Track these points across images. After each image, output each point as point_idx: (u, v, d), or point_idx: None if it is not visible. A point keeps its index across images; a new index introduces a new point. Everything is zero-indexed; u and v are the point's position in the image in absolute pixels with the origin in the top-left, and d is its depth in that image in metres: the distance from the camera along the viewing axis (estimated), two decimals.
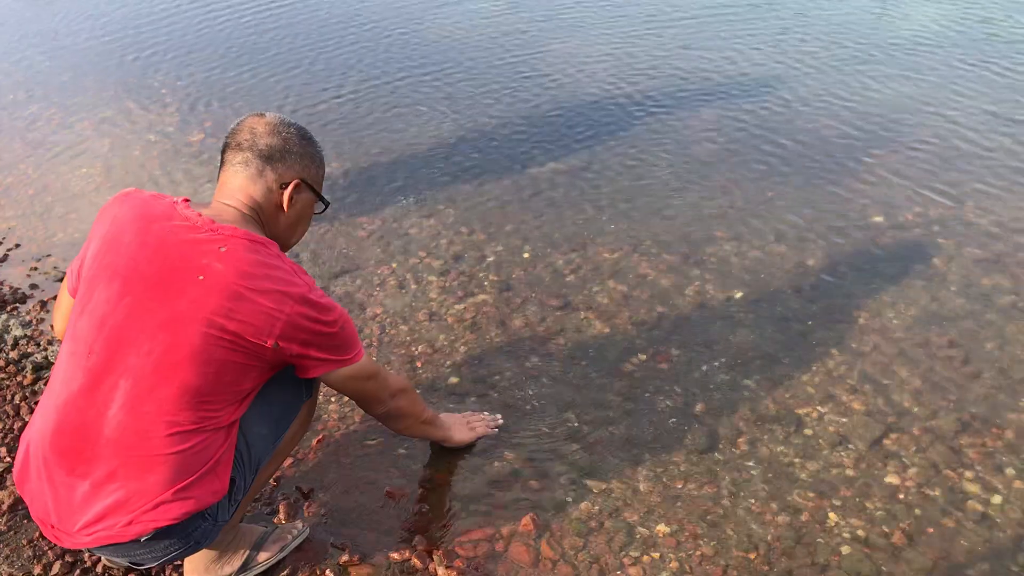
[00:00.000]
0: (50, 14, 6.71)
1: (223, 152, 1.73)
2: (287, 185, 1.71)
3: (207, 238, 1.56)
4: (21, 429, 2.40)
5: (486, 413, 2.38)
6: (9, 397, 2.55)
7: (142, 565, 1.68)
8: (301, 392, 1.83)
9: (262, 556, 1.93)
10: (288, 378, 1.74)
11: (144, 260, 1.55)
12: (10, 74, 5.47)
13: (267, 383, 1.69)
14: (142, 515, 1.51)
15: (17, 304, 3.08)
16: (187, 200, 1.66)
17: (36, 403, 2.51)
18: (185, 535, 1.60)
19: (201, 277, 1.52)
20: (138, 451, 1.51)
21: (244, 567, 1.89)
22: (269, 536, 1.96)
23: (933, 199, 3.32)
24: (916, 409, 2.35)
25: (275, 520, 2.09)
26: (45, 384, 2.55)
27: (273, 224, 1.74)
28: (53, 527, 1.57)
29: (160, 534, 1.55)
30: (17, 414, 2.47)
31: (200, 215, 1.61)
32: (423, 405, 2.10)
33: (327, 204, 1.84)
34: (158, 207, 1.63)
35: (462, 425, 2.29)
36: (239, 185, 1.69)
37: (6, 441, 2.37)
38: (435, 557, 1.97)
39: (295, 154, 1.73)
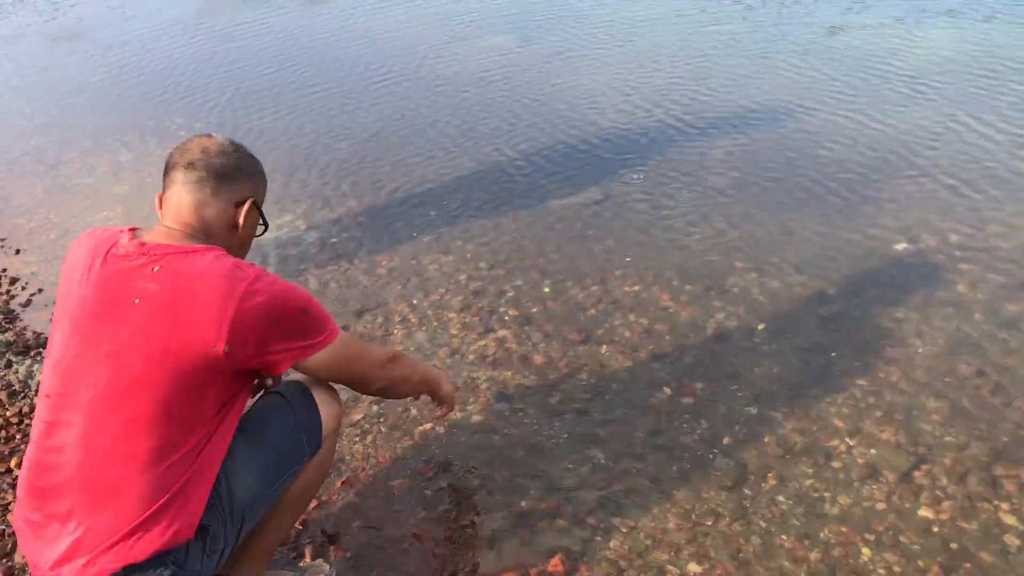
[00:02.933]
0: (70, 57, 6.82)
1: (167, 172, 1.69)
2: (242, 204, 1.70)
3: (141, 263, 1.53)
4: None
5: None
6: None
7: None
8: (301, 445, 1.74)
9: None
10: (286, 427, 1.72)
11: (89, 297, 1.54)
12: (31, 117, 5.55)
13: (263, 431, 1.68)
14: (99, 555, 1.45)
15: (40, 348, 3.09)
16: (132, 229, 1.62)
17: None
18: None
19: (137, 301, 1.50)
20: (94, 485, 1.47)
21: None
22: None
23: (954, 225, 3.30)
24: (947, 439, 2.32)
25: (300, 564, 2.07)
26: None
27: (224, 243, 1.67)
28: (35, 566, 1.52)
29: None
30: None
31: (139, 243, 1.57)
32: (415, 362, 2.04)
33: (267, 226, 1.83)
34: (104, 242, 1.60)
35: (450, 383, 2.14)
36: (189, 205, 1.64)
37: None
38: None
39: (247, 173, 1.72)
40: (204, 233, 1.64)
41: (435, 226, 3.66)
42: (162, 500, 1.47)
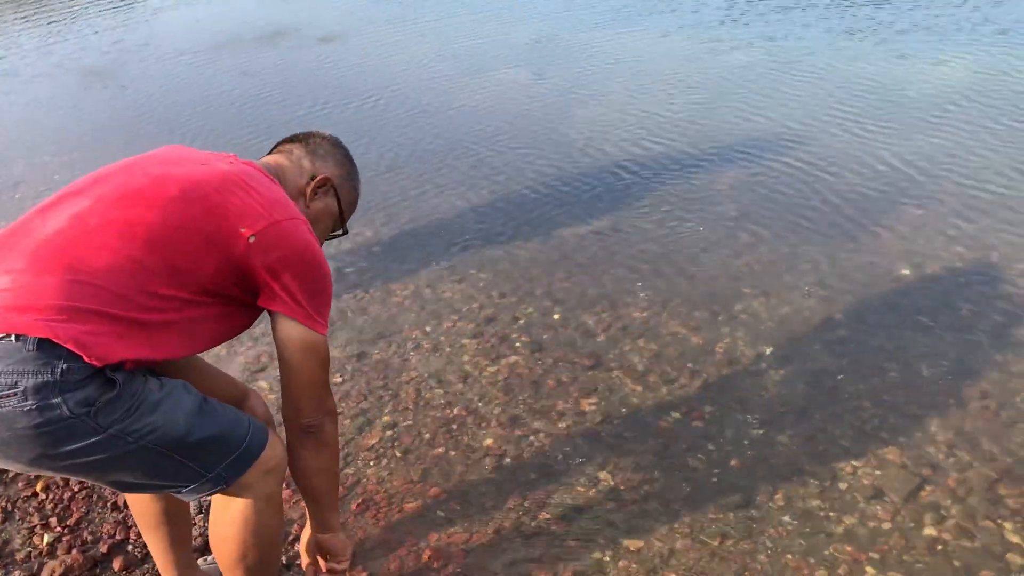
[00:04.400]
0: (96, 95, 6.99)
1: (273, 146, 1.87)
2: (316, 177, 1.79)
3: (219, 155, 1.66)
4: (71, 499, 2.47)
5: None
6: None
7: None
8: (229, 452, 1.55)
9: None
10: (234, 425, 1.57)
11: (156, 152, 1.67)
12: (56, 154, 5.68)
13: (216, 410, 1.54)
14: (5, 312, 1.32)
15: None
16: None
17: None
18: (28, 391, 1.29)
19: (203, 164, 1.58)
20: (54, 252, 1.38)
21: None
22: None
23: (959, 251, 3.35)
24: (951, 461, 2.35)
25: None
26: None
27: None
28: None
29: (3, 360, 1.29)
30: (67, 483, 2.54)
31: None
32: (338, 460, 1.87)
33: (345, 230, 1.90)
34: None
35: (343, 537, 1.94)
36: (275, 159, 1.80)
37: (56, 511, 2.43)
38: None
39: (337, 163, 1.84)
40: (278, 181, 1.72)
41: (448, 256, 3.74)
42: (102, 310, 1.36)
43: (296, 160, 1.81)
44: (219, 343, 1.65)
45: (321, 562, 1.93)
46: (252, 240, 1.49)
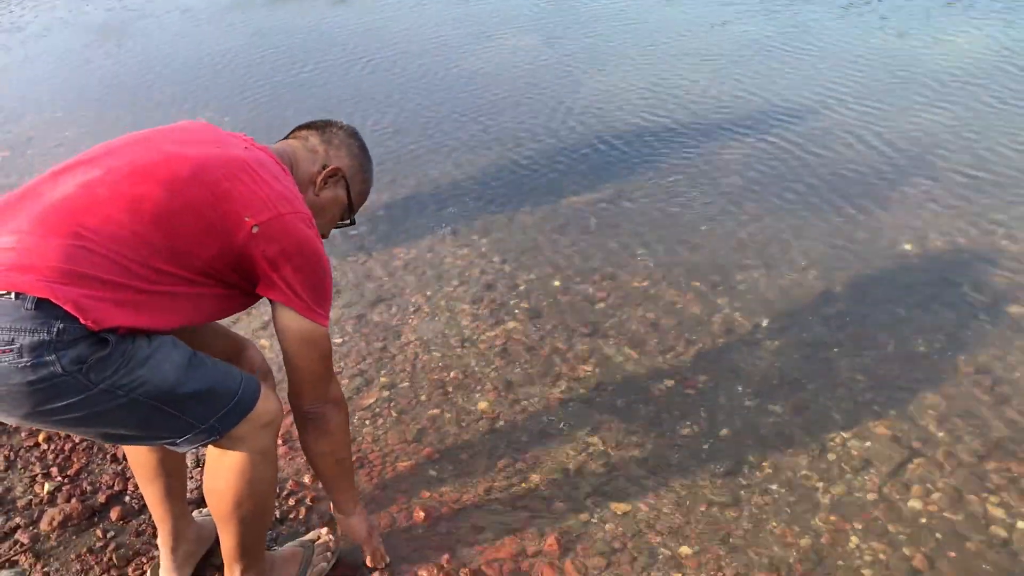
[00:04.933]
0: (106, 52, 6.99)
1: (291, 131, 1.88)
2: (327, 168, 1.80)
3: (237, 139, 1.67)
4: (72, 450, 2.52)
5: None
6: None
7: None
8: (223, 404, 1.57)
9: None
10: (227, 380, 1.59)
11: (174, 124, 1.68)
12: (67, 109, 5.70)
13: (205, 363, 1.56)
14: (8, 270, 1.33)
15: None
16: None
17: None
18: (24, 349, 1.32)
19: (217, 147, 1.59)
20: (61, 217, 1.40)
21: None
22: (308, 565, 2.00)
23: (963, 227, 3.34)
24: (941, 434, 2.37)
25: (307, 536, 2.15)
26: None
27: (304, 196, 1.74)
28: None
29: (2, 317, 1.32)
30: (68, 435, 2.58)
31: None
32: (350, 441, 1.92)
33: (353, 221, 1.92)
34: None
35: (366, 519, 2.01)
36: (288, 145, 1.81)
37: (57, 461, 2.48)
38: (461, 575, 2.02)
39: (351, 154, 1.85)
40: (289, 168, 1.74)
41: (452, 221, 3.75)
42: (102, 277, 1.39)
43: (311, 148, 1.82)
44: (216, 320, 1.68)
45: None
46: (255, 230, 1.51)
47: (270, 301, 1.62)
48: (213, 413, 1.56)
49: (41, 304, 1.32)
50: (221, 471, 1.67)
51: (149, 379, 1.45)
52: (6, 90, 6.34)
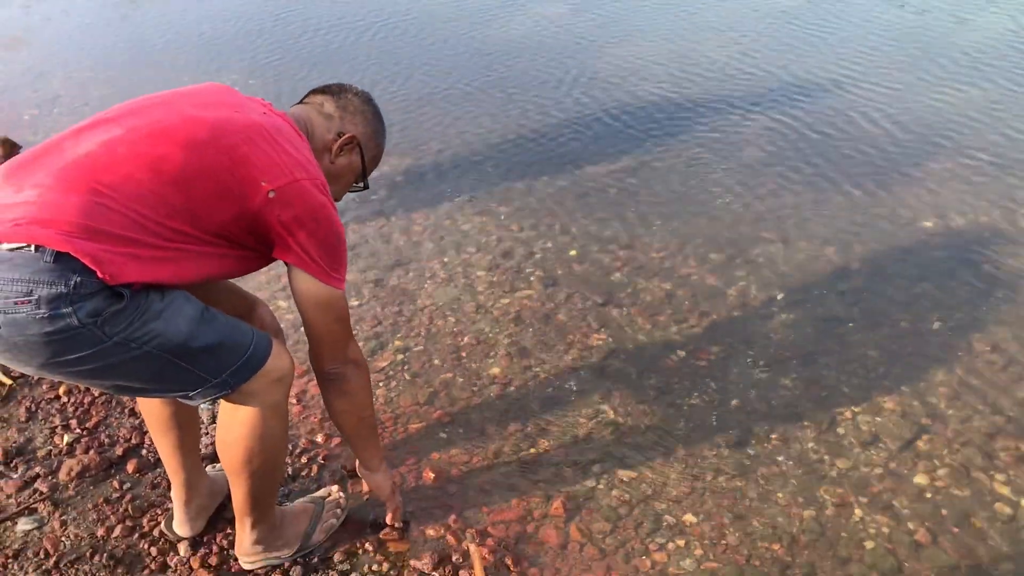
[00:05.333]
0: (138, 14, 7.02)
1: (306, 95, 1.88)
2: (343, 135, 1.82)
3: (255, 104, 1.68)
4: (92, 404, 2.58)
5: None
6: None
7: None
8: (249, 334, 1.63)
9: (315, 539, 2.03)
10: (237, 334, 1.62)
11: (189, 89, 1.70)
12: (97, 69, 5.74)
13: (217, 318, 1.60)
14: (29, 224, 1.36)
15: None
16: None
17: None
18: (42, 301, 1.35)
19: (237, 111, 1.61)
20: (81, 175, 1.43)
21: (297, 551, 1.99)
22: (318, 520, 2.06)
23: (984, 206, 3.31)
24: (951, 412, 2.37)
25: (318, 493, 2.19)
26: None
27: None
28: None
29: (19, 271, 1.34)
30: (87, 388, 2.64)
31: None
32: (372, 399, 1.97)
33: (366, 185, 1.94)
34: None
35: (390, 477, 2.06)
36: (305, 111, 1.82)
37: (76, 414, 2.54)
38: (468, 535, 2.06)
39: (366, 121, 1.86)
40: (306, 135, 1.76)
41: (472, 188, 3.76)
42: (120, 233, 1.42)
43: (326, 114, 1.83)
44: (231, 278, 1.70)
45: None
46: (271, 195, 1.52)
47: (286, 265, 1.64)
48: (225, 367, 1.59)
49: (60, 257, 1.35)
50: (234, 425, 1.70)
51: (162, 332, 1.48)
52: (36, 50, 6.39)
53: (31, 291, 1.34)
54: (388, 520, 2.08)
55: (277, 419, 1.72)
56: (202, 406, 2.13)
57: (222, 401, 1.69)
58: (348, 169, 1.87)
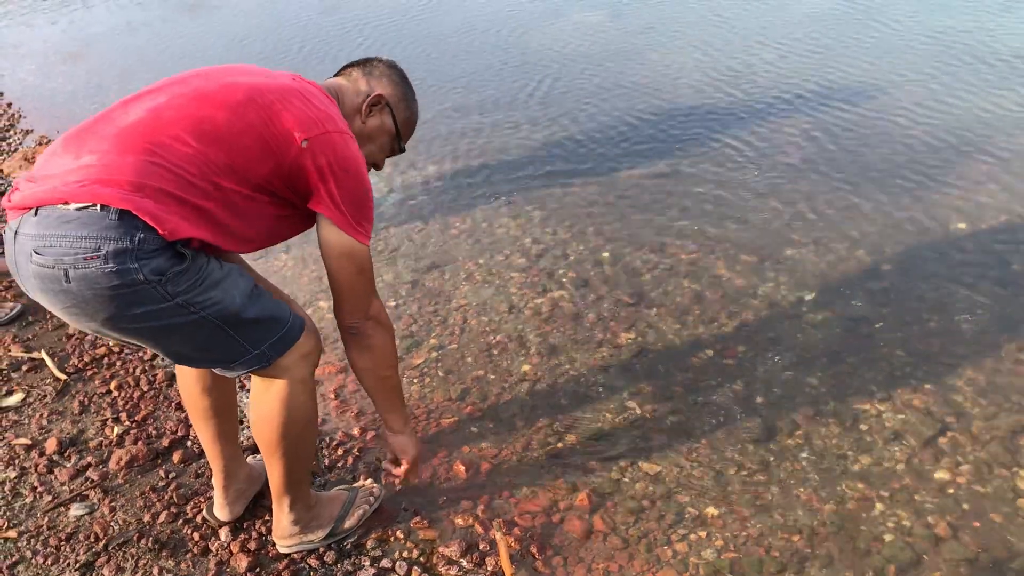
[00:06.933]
0: (192, 24, 7.24)
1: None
2: (370, 96, 1.91)
3: (285, 74, 1.79)
4: (141, 398, 2.70)
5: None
6: (131, 370, 2.86)
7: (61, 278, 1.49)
8: (287, 311, 1.75)
9: (347, 524, 2.12)
10: (278, 311, 1.73)
11: (221, 65, 1.81)
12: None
13: (264, 294, 1.71)
14: (93, 183, 1.47)
15: None
16: None
17: (155, 375, 2.81)
18: (109, 255, 1.45)
19: (267, 77, 1.73)
20: (134, 139, 1.54)
21: (330, 535, 2.09)
22: (351, 505, 2.15)
23: (1019, 209, 3.30)
24: (976, 410, 2.38)
25: (354, 484, 2.29)
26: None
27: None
28: (28, 178, 1.57)
29: (87, 229, 1.45)
30: (137, 384, 2.77)
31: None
32: (396, 361, 2.03)
33: (403, 148, 2.02)
34: None
35: (414, 438, 2.15)
36: (334, 80, 1.93)
37: (126, 407, 2.66)
38: (495, 524, 2.13)
39: (392, 83, 1.96)
40: (336, 100, 1.87)
41: (507, 192, 3.84)
42: (172, 191, 1.51)
43: (354, 80, 1.95)
44: (274, 242, 1.81)
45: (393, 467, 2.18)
46: (304, 144, 1.62)
47: (316, 220, 1.74)
48: (266, 339, 1.71)
49: (123, 215, 1.46)
50: (266, 399, 1.82)
51: (220, 300, 1.60)
52: (92, 62, 6.63)
53: (99, 247, 1.45)
54: (398, 471, 2.16)
55: (307, 394, 1.83)
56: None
57: (254, 379, 1.80)
58: (380, 130, 1.95)
